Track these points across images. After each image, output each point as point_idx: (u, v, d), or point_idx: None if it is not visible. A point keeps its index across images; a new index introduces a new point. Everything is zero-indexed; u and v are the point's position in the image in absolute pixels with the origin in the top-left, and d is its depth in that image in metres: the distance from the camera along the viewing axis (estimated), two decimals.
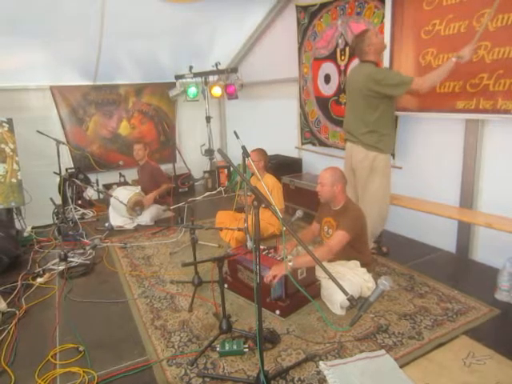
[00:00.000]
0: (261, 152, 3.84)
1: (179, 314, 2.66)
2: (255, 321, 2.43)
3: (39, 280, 3.20)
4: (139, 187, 4.66)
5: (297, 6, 4.65)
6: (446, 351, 2.15)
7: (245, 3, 4.75)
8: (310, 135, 4.92)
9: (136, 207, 4.34)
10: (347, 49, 4.06)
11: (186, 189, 5.76)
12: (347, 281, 2.47)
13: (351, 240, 2.61)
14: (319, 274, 2.68)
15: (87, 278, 3.31)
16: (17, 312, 2.73)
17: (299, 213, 2.76)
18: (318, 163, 4.80)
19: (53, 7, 3.92)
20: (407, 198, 3.56)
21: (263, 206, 1.78)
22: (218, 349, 2.20)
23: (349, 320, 2.40)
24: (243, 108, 6.17)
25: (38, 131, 4.26)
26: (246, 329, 2.40)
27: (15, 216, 4.68)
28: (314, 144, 4.87)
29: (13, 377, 2.12)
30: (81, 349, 2.31)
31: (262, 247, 2.87)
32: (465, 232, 3.32)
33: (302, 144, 5.08)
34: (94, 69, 5.33)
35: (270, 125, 5.56)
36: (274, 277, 2.39)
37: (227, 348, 2.19)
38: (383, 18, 3.56)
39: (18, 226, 4.58)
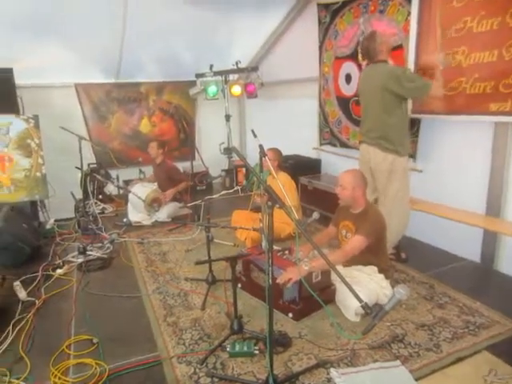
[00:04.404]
0: (276, 152, 3.82)
1: (192, 311, 2.66)
2: (266, 322, 2.40)
3: (59, 271, 3.27)
4: (156, 184, 4.71)
5: (318, 5, 4.59)
6: (465, 366, 2.05)
7: (266, 2, 4.73)
8: (329, 136, 4.84)
9: (154, 204, 4.39)
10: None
11: (204, 187, 5.78)
12: (363, 287, 2.39)
13: (369, 245, 2.54)
14: (335, 277, 2.62)
15: (104, 271, 3.36)
16: (36, 301, 2.81)
17: (315, 215, 2.72)
18: (337, 164, 4.73)
19: (78, 6, 4.00)
20: (429, 203, 3.44)
21: (277, 206, 1.76)
22: (228, 349, 2.18)
23: (363, 327, 2.35)
24: (262, 107, 6.14)
25: (61, 127, 4.35)
26: (257, 330, 2.37)
27: (39, 209, 4.82)
28: (334, 145, 4.79)
29: (29, 364, 2.17)
30: (95, 341, 2.34)
31: (276, 248, 2.83)
32: (490, 241, 3.18)
33: (321, 145, 5.01)
34: (117, 67, 5.41)
35: (289, 124, 5.50)
36: (289, 280, 2.35)
37: (237, 349, 2.17)
38: (408, 15, 3.46)
39: (41, 218, 4.72)
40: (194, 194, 4.49)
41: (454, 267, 3.25)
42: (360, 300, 1.56)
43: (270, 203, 1.74)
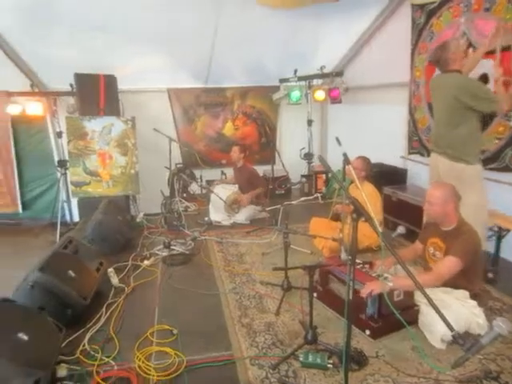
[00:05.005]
0: (365, 161, 3.68)
1: (266, 315, 2.69)
2: (343, 337, 2.33)
3: (146, 262, 3.55)
4: (237, 186, 4.87)
5: (412, 5, 4.34)
6: None
7: (355, 5, 4.61)
8: (418, 144, 4.55)
9: (234, 205, 4.54)
10: (470, 50, 3.63)
11: (283, 191, 5.80)
12: (453, 312, 2.17)
13: (463, 267, 2.32)
14: (419, 298, 2.44)
15: (185, 267, 3.56)
16: (125, 288, 3.09)
17: (401, 229, 2.57)
18: (424, 175, 4.39)
19: (174, 19, 4.34)
20: None
21: (362, 219, 1.70)
22: (300, 358, 2.16)
23: (449, 355, 2.17)
24: (346, 113, 5.99)
25: (154, 129, 4.71)
26: (331, 343, 2.31)
27: (131, 203, 5.30)
28: (422, 154, 4.49)
29: (117, 345, 2.39)
30: (174, 332, 2.49)
31: (356, 261, 2.74)
32: None
33: (409, 153, 4.73)
34: (206, 73, 5.72)
35: (374, 131, 5.29)
36: (370, 292, 2.26)
37: (310, 360, 2.15)
38: None
39: (132, 212, 5.18)
40: (272, 198, 4.54)
41: None
42: (451, 328, 1.43)
43: (355, 215, 1.69)
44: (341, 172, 2.99)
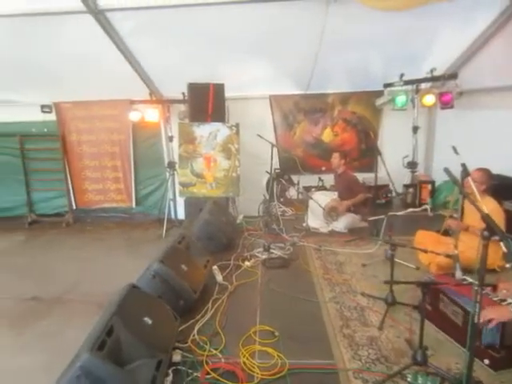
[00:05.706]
0: (486, 174, 3.34)
1: (368, 328, 2.61)
2: (456, 362, 2.16)
3: (247, 263, 3.70)
4: (336, 193, 4.81)
5: None
6: None
7: (475, 2, 4.21)
8: None
9: (332, 213, 4.50)
10: None
11: (383, 201, 5.52)
12: None
13: None
14: None
15: (284, 271, 3.62)
16: (229, 286, 3.25)
17: None
18: None
19: (280, 27, 4.46)
20: None
21: (495, 238, 1.56)
22: (409, 379, 2.07)
23: None
24: (457, 118, 5.51)
25: (258, 135, 4.90)
26: (442, 367, 2.15)
27: (230, 205, 5.59)
28: None
29: (223, 340, 2.52)
30: (276, 333, 2.55)
31: (475, 282, 2.51)
32: None
33: None
34: (308, 79, 5.75)
35: (491, 139, 4.77)
36: (490, 320, 2.05)
37: (420, 382, 2.04)
38: None
39: (231, 213, 5.45)
40: (372, 207, 4.38)
41: None
42: None
43: (486, 233, 1.56)
44: (450, 183, 2.78)
